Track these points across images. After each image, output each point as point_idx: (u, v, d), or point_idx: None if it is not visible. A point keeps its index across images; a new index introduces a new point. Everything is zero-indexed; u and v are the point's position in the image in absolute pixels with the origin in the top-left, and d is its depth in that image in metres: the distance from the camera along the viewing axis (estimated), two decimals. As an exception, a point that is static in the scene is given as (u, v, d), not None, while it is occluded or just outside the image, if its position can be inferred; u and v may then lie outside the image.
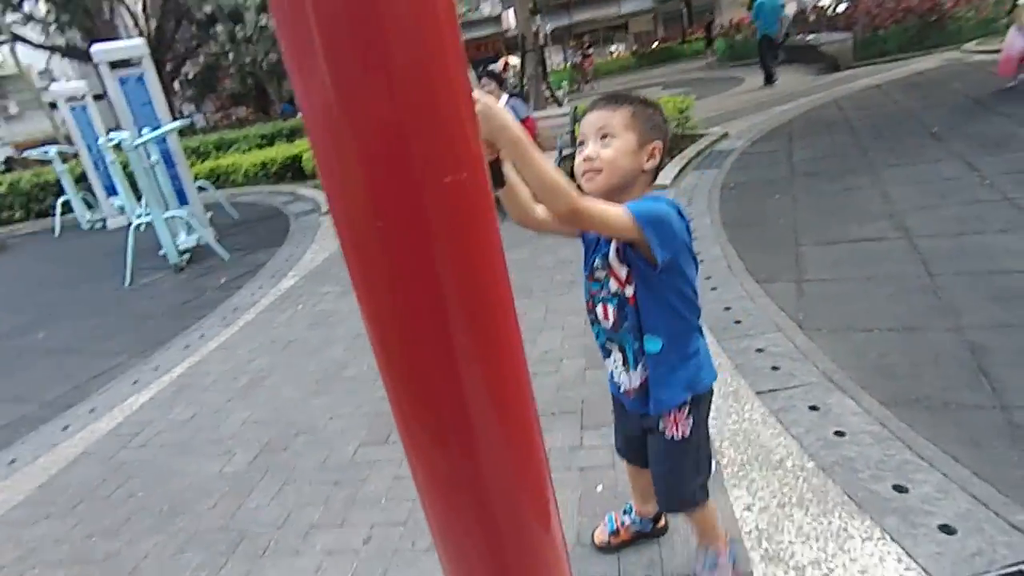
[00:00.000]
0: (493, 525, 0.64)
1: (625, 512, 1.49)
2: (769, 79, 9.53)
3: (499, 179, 0.94)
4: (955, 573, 1.27)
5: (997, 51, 5.83)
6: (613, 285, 1.09)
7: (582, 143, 1.04)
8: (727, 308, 2.58)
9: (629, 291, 1.07)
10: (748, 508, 1.53)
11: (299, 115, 14.85)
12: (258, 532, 1.77)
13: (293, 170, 8.55)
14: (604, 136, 1.01)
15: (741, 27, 15.90)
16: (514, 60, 9.04)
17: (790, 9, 13.42)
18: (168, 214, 4.94)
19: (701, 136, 5.93)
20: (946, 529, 1.38)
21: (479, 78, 4.78)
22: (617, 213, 0.92)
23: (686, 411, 1.13)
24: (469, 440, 0.59)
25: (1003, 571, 1.26)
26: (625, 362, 1.14)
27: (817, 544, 1.39)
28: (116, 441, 2.44)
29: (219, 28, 17.21)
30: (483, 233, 0.55)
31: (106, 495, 2.08)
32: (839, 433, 1.74)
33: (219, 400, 2.62)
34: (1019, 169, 3.52)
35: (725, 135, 6.03)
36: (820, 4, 18.00)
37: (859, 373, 2.00)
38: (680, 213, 1.01)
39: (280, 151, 9.10)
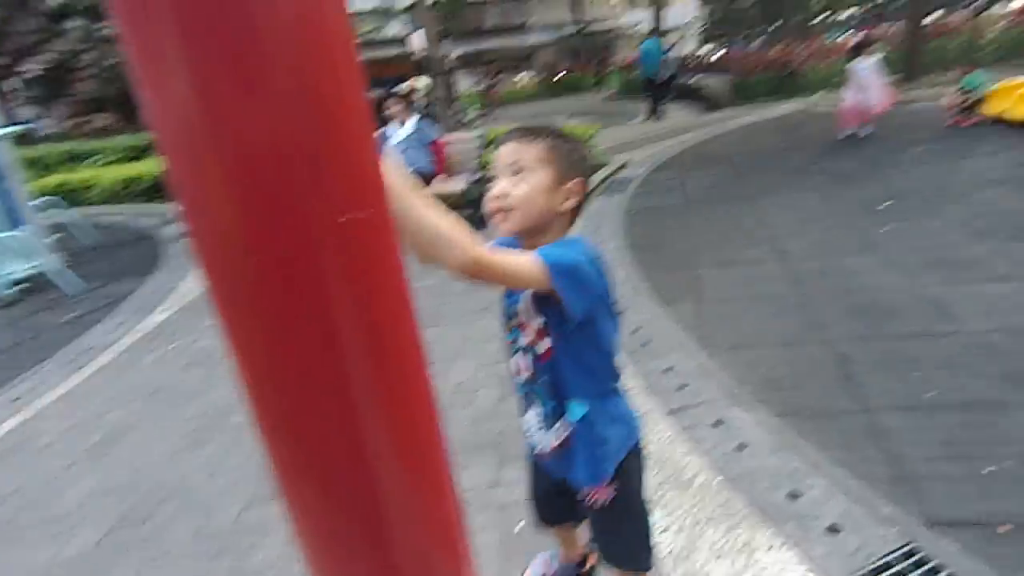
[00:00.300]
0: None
1: (551, 557, 1.42)
2: (653, 114, 10.65)
3: None
4: (844, 569, 1.37)
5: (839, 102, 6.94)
6: (526, 338, 0.99)
7: (493, 178, 0.94)
8: (636, 329, 2.68)
9: (543, 346, 0.97)
10: (665, 530, 1.55)
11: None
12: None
13: (165, 189, 7.60)
14: (517, 171, 0.90)
15: (634, 65, 17.57)
16: (420, 83, 9.00)
17: (678, 51, 15.13)
18: (-4, 237, 4.12)
19: (604, 164, 6.30)
20: (833, 529, 1.50)
21: (383, 99, 4.67)
22: (524, 262, 0.82)
23: (607, 478, 1.04)
24: (374, 504, 0.52)
25: (875, 563, 1.39)
26: (541, 421, 1.04)
27: (729, 560, 1.44)
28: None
29: (71, 23, 14.94)
30: (388, 278, 0.48)
31: None
32: (741, 446, 1.85)
33: (56, 466, 2.15)
34: (861, 201, 4.16)
35: (625, 164, 6.47)
36: (698, 52, 20.52)
37: (754, 387, 2.16)
38: (596, 261, 0.91)
39: (149, 166, 8.01)
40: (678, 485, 1.72)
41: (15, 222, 4.61)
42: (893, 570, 1.37)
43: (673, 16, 22.10)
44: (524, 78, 23.45)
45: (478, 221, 4.82)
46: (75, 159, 9.13)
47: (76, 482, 2.04)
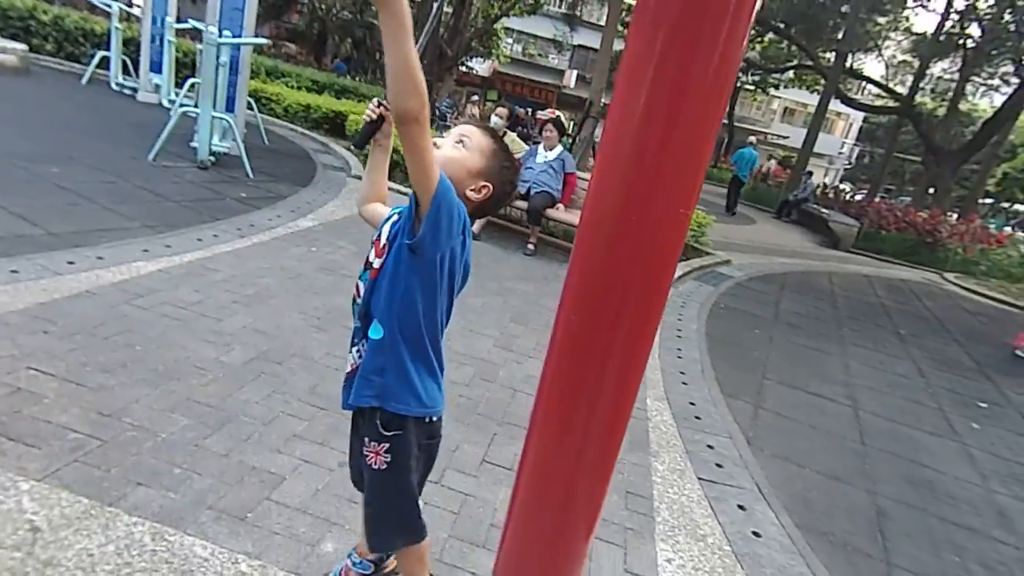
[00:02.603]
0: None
1: (348, 555, 1.31)
2: (730, 209, 12.04)
3: (365, 142, 1.02)
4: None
5: (972, 290, 6.39)
6: (372, 255, 1.02)
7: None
8: (692, 403, 2.88)
9: (377, 262, 0.99)
10: (669, 561, 1.76)
11: (349, 77, 14.91)
12: (245, 421, 1.88)
13: (333, 125, 8.71)
14: (459, 141, 1.03)
15: (767, 175, 17.69)
16: (559, 115, 9.62)
17: (817, 179, 15.28)
18: (215, 114, 5.04)
19: (708, 254, 6.48)
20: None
21: (519, 116, 5.17)
22: (432, 161, 0.86)
23: (384, 446, 1.02)
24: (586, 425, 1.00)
25: None
26: (351, 340, 1.06)
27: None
28: (120, 294, 2.49)
29: None
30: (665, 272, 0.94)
31: (105, 336, 2.14)
32: (756, 534, 2.01)
33: (225, 298, 2.72)
34: (958, 390, 4.07)
35: (728, 261, 6.61)
36: (840, 187, 20.12)
37: (785, 496, 2.30)
38: (468, 230, 0.98)
39: (327, 101, 9.23)
40: (691, 535, 1.92)
41: (229, 107, 5.60)
42: None
43: (826, 143, 21.74)
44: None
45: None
46: (270, 75, 10.57)
47: (235, 315, 2.58)
